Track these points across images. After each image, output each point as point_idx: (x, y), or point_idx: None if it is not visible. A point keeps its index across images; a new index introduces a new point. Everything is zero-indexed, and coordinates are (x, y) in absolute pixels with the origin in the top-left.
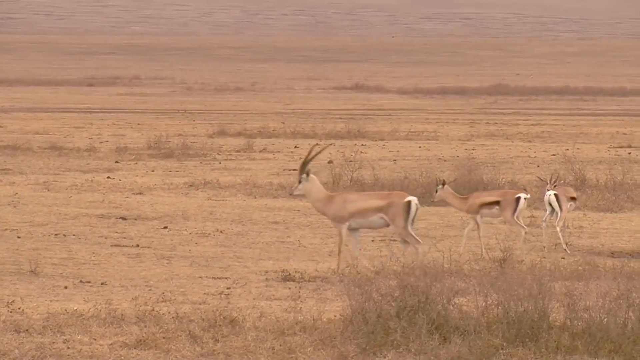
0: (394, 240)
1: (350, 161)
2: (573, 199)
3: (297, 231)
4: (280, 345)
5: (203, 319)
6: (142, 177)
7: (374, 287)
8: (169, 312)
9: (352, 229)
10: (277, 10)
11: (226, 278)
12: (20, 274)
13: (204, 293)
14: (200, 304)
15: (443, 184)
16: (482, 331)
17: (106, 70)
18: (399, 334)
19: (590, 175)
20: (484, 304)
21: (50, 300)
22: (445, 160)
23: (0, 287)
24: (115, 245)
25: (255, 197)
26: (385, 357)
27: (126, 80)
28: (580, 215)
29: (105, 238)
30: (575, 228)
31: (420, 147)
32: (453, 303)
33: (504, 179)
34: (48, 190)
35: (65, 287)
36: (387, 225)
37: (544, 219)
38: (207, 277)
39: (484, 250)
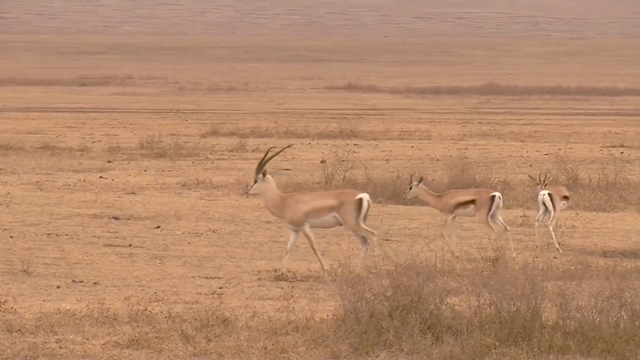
0: (387, 240)
1: (343, 161)
2: (565, 197)
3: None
4: (273, 345)
5: (195, 319)
6: (134, 177)
7: (367, 286)
8: (162, 312)
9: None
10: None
11: (219, 278)
12: (13, 273)
13: (197, 293)
14: (192, 303)
15: (419, 181)
16: (474, 331)
17: (99, 70)
18: (391, 333)
19: (582, 175)
20: (476, 304)
21: (43, 300)
22: (437, 160)
23: None
24: (108, 245)
25: (247, 197)
26: (377, 357)
27: (119, 79)
28: (573, 215)
29: (98, 238)
30: (568, 228)
31: (412, 146)
32: (446, 303)
33: (496, 179)
34: (40, 190)
35: (58, 287)
36: (341, 224)
37: (536, 218)
38: (199, 276)
39: (454, 248)
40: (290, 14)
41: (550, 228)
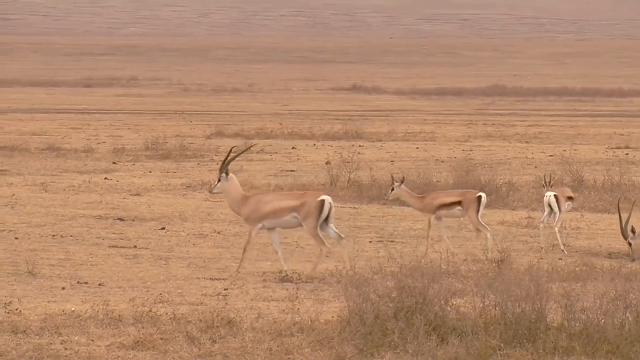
0: (392, 242)
1: (348, 162)
2: (570, 198)
3: (294, 232)
4: (278, 346)
5: (200, 320)
6: (139, 178)
7: (372, 288)
8: (167, 313)
9: (268, 229)
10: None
11: (224, 279)
12: (18, 274)
13: (202, 294)
14: (197, 305)
15: (401, 182)
16: (479, 332)
17: (103, 71)
18: (396, 335)
19: (587, 176)
20: (481, 305)
21: (48, 301)
22: (442, 161)
23: None
24: (113, 246)
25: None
26: (382, 358)
27: (123, 81)
28: (578, 216)
29: (103, 239)
30: (573, 229)
31: (417, 148)
32: (450, 304)
33: (501, 180)
34: (45, 191)
35: (63, 288)
36: (301, 225)
37: (542, 219)
38: (204, 278)
39: (427, 249)
40: (295, 16)
41: (556, 229)
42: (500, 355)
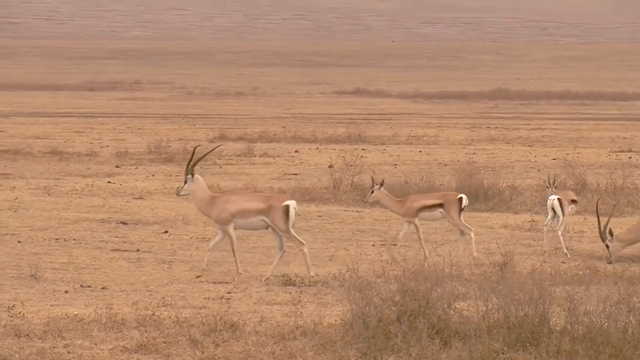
0: (395, 245)
1: (351, 166)
2: (574, 202)
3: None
4: (281, 350)
5: (203, 324)
6: (142, 182)
7: (375, 291)
8: (170, 317)
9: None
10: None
11: (227, 283)
12: (21, 278)
13: (205, 298)
14: (200, 308)
15: (381, 185)
16: (482, 335)
17: (106, 75)
18: (399, 338)
19: (590, 180)
20: (484, 309)
21: (51, 305)
22: (445, 165)
23: (1, 291)
24: (116, 250)
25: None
26: None
27: (127, 84)
28: (581, 220)
29: (106, 243)
30: (576, 232)
31: (420, 151)
32: (454, 307)
33: (504, 183)
34: (48, 194)
35: (66, 292)
36: (267, 227)
37: (545, 223)
38: (207, 281)
39: (426, 252)
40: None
41: (559, 233)
42: (504, 359)
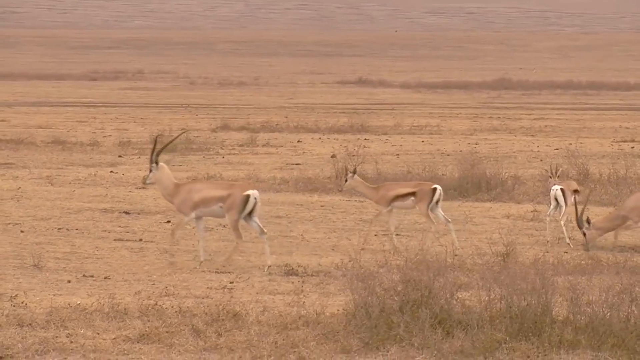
0: (397, 235)
1: (353, 155)
2: (576, 192)
3: (300, 225)
4: (283, 340)
5: (206, 313)
6: (145, 172)
7: (377, 281)
8: (172, 307)
9: (197, 218)
10: (280, 5)
11: (229, 272)
12: (24, 268)
13: (207, 287)
14: (203, 298)
15: (354, 173)
16: (485, 325)
17: (109, 65)
18: (402, 328)
19: (593, 170)
20: (487, 299)
21: (54, 295)
22: (448, 155)
23: (4, 281)
24: (119, 240)
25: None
26: (388, 352)
27: (129, 74)
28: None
29: (109, 232)
30: None
31: (423, 141)
32: (456, 297)
33: (507, 173)
34: (51, 184)
35: (69, 281)
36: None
37: (547, 213)
38: (210, 271)
39: (395, 240)
40: (300, 9)
41: (562, 223)
42: (506, 349)
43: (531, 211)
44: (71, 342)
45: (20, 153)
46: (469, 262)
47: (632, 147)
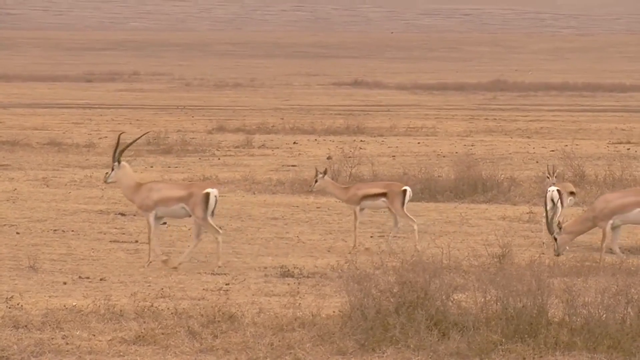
0: (395, 237)
1: (349, 157)
2: (572, 193)
3: (296, 227)
4: (279, 341)
5: (202, 315)
6: (141, 173)
7: (373, 283)
8: (168, 308)
9: (157, 218)
10: (276, 6)
11: (225, 274)
12: (19, 269)
13: (203, 289)
14: (199, 299)
15: (324, 173)
16: (481, 327)
17: (105, 66)
18: (397, 329)
19: (589, 171)
20: (482, 300)
21: (49, 296)
22: (444, 156)
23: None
24: (114, 241)
25: (254, 193)
26: (384, 353)
27: (125, 76)
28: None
29: (104, 234)
30: None
31: (419, 143)
32: (452, 299)
33: (502, 175)
34: (47, 186)
35: (64, 283)
36: (189, 216)
37: (544, 215)
38: (206, 273)
39: (357, 241)
40: (296, 10)
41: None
42: (502, 350)
43: (527, 213)
44: (67, 343)
45: (15, 155)
46: (465, 263)
47: (628, 149)
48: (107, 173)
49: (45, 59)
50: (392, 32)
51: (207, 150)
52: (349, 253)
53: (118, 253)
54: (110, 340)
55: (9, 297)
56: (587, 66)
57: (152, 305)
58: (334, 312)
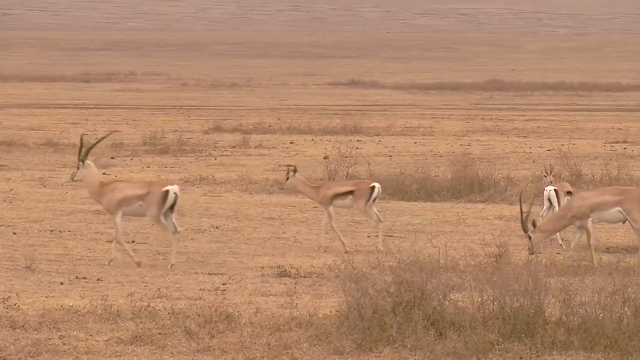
0: (390, 236)
1: (346, 157)
2: (569, 193)
3: (292, 227)
4: (276, 341)
5: (199, 315)
6: (137, 173)
7: (370, 282)
8: (165, 308)
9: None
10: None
11: (222, 274)
12: (16, 270)
13: (200, 289)
14: (196, 299)
15: (294, 171)
16: (477, 327)
17: (101, 66)
18: (394, 329)
19: (585, 171)
20: (479, 300)
21: (46, 297)
22: (440, 156)
23: None
24: (111, 241)
25: (250, 193)
26: (381, 353)
27: (121, 76)
28: None
29: (101, 234)
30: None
31: (415, 142)
32: (449, 299)
33: (499, 174)
34: (44, 186)
35: (61, 283)
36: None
37: (541, 214)
38: (202, 273)
39: (324, 239)
40: (293, 10)
41: None
42: (499, 350)
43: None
44: (64, 344)
45: (12, 155)
46: (462, 263)
47: (625, 148)
48: (73, 172)
49: (42, 59)
50: (388, 32)
51: (203, 150)
52: (322, 250)
53: (115, 253)
54: (107, 340)
55: (5, 297)
56: (583, 66)
57: (149, 306)
58: (330, 311)
